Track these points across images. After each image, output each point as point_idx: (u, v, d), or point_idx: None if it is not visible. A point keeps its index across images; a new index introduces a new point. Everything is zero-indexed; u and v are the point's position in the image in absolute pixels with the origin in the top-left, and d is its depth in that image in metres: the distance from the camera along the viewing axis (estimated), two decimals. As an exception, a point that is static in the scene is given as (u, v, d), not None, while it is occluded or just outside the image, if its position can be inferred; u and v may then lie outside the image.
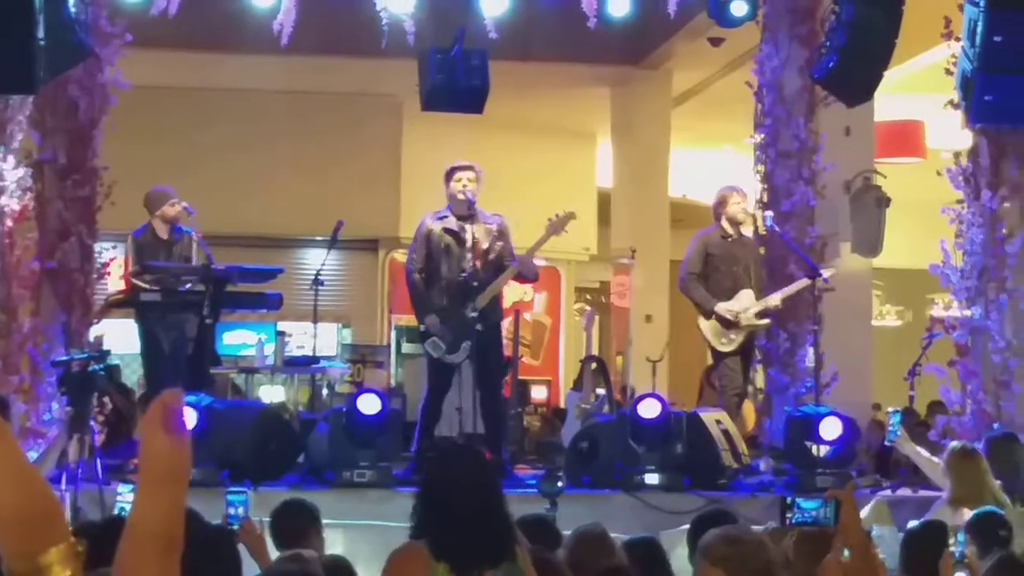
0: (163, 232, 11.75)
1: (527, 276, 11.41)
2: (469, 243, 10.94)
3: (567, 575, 5.60)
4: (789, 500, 4.86)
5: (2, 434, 0.88)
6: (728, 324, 11.84)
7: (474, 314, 10.82)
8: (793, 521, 4.88)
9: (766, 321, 12.06)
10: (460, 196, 10.90)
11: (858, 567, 4.81)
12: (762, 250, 12.51)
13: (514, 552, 5.31)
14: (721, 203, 12.11)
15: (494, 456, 10.93)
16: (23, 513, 0.91)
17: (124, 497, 6.68)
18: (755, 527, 6.70)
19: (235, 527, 6.36)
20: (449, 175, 11.04)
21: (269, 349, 13.11)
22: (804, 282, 11.83)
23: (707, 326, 11.97)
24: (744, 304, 11.88)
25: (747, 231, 12.36)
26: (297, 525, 6.80)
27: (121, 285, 12.07)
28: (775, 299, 11.92)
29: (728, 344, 11.91)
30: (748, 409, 13.14)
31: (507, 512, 5.43)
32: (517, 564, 5.29)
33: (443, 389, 11.07)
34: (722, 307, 11.82)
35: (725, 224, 12.07)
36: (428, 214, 11.20)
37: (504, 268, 11.03)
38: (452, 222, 10.96)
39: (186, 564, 5.16)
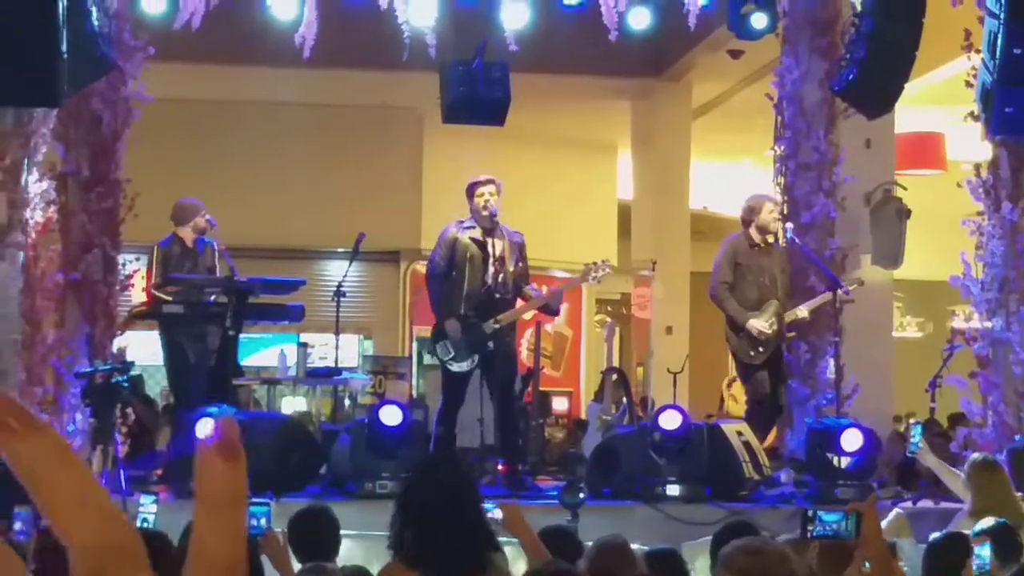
0: (189, 243, 11.82)
1: (552, 310, 11.53)
2: (493, 256, 10.99)
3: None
4: (810, 512, 4.85)
5: (74, 463, 0.90)
6: (756, 341, 11.80)
7: (496, 327, 10.87)
8: (814, 534, 4.88)
9: (791, 334, 12.06)
10: (484, 211, 10.96)
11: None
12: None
13: (489, 562, 5.31)
14: (754, 211, 12.03)
15: (510, 467, 10.96)
16: (99, 545, 0.93)
17: (147, 509, 6.69)
18: (777, 538, 6.73)
19: (257, 538, 6.39)
20: (471, 190, 11.10)
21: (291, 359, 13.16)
22: (829, 295, 11.80)
23: (736, 338, 11.95)
24: (769, 317, 11.85)
25: (772, 240, 12.32)
26: (315, 532, 6.83)
27: (144, 297, 12.10)
28: (803, 311, 11.89)
29: (756, 357, 11.90)
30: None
31: (482, 523, 5.44)
32: (494, 572, 5.30)
33: (457, 399, 11.11)
34: (753, 324, 11.76)
35: (753, 232, 12.01)
36: (453, 222, 11.25)
37: (520, 287, 11.11)
38: (478, 233, 11.02)
39: None
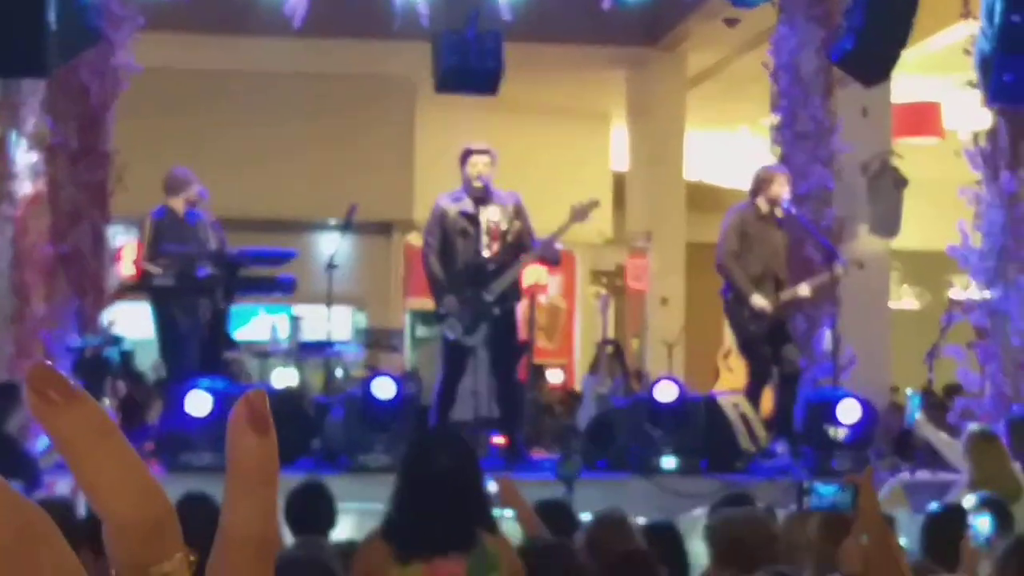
0: (180, 214, 11.71)
1: (549, 260, 11.38)
2: (485, 226, 10.87)
3: (581, 560, 5.53)
4: (806, 485, 4.80)
5: (114, 433, 0.83)
6: (756, 315, 11.57)
7: (491, 298, 10.78)
8: (811, 506, 4.83)
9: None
10: (476, 181, 10.82)
11: (876, 551, 4.76)
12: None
13: (477, 539, 5.21)
14: (766, 182, 11.60)
15: (510, 440, 10.89)
16: (139, 520, 0.86)
17: None
18: (778, 511, 6.67)
19: None
20: (464, 158, 10.95)
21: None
22: (829, 274, 11.59)
23: (738, 309, 11.71)
24: (769, 293, 11.62)
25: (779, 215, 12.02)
26: (312, 508, 6.76)
27: (134, 269, 12.01)
28: (804, 289, 11.61)
29: (757, 331, 11.70)
30: (742, 374, 13.08)
31: (476, 501, 5.34)
32: (488, 550, 5.21)
33: (458, 372, 11.00)
34: (756, 300, 11.49)
35: (761, 203, 11.59)
36: (442, 194, 11.12)
37: (523, 248, 10.95)
38: (468, 204, 10.85)
39: (203, 548, 5.12)
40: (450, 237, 10.87)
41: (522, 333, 13.00)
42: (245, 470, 0.92)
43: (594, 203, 11.17)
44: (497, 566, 5.20)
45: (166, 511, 0.88)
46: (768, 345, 11.64)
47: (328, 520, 6.87)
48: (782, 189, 11.63)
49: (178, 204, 11.66)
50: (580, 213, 11.08)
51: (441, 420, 10.88)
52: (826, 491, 4.79)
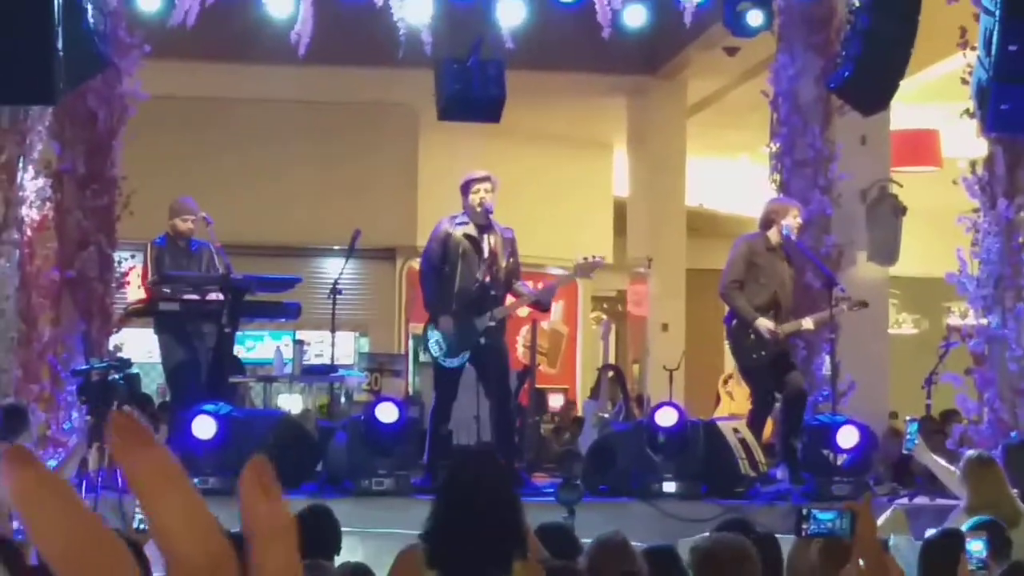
0: (181, 243, 11.81)
1: (544, 306, 11.51)
2: (486, 252, 10.95)
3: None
4: (805, 511, 4.85)
5: (182, 478, 0.91)
6: (761, 341, 11.54)
7: (492, 323, 10.86)
8: (809, 532, 4.89)
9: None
10: (478, 208, 10.90)
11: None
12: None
13: (510, 565, 5.30)
14: (779, 214, 11.61)
15: (507, 465, 10.94)
16: (202, 561, 0.94)
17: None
18: (778, 536, 6.74)
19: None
20: (466, 187, 11.02)
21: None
22: (832, 309, 11.55)
23: (742, 336, 11.66)
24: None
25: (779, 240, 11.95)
26: (317, 532, 6.83)
27: (140, 294, 12.10)
28: (808, 323, 11.60)
29: (759, 359, 11.64)
30: (744, 399, 13.13)
31: (513, 524, 5.41)
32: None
33: (450, 395, 11.05)
34: (762, 323, 11.44)
35: (773, 234, 11.57)
36: (445, 217, 11.19)
37: (511, 283, 11.07)
38: (471, 229, 10.94)
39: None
40: (451, 260, 10.94)
41: (524, 358, 13.09)
42: (263, 532, 0.99)
43: (599, 262, 11.26)
44: None
45: (226, 552, 0.97)
46: (771, 373, 11.67)
47: (334, 545, 6.94)
48: (795, 221, 11.62)
49: (179, 228, 11.74)
50: (584, 269, 11.21)
51: (435, 443, 10.92)
52: (824, 517, 4.83)
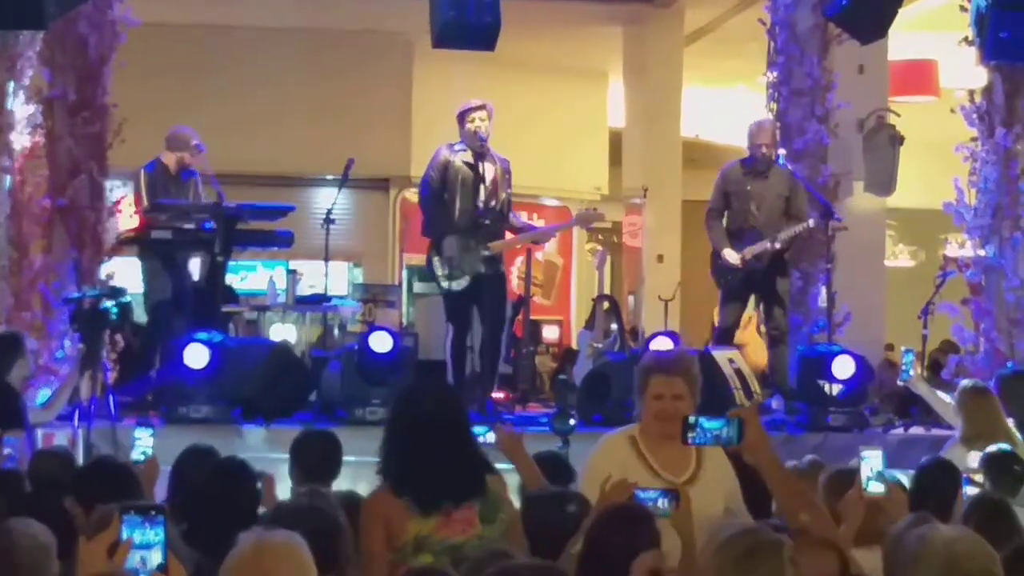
0: (172, 170, 11.72)
1: (540, 243, 11.56)
2: (484, 180, 10.97)
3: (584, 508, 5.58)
4: (692, 420, 4.80)
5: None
6: (726, 269, 11.68)
7: (486, 253, 10.86)
8: (695, 441, 4.85)
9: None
10: (474, 137, 10.92)
11: (774, 479, 4.80)
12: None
13: (485, 486, 5.30)
14: (754, 135, 11.80)
15: (484, 395, 10.94)
16: None
17: (144, 441, 6.60)
18: (789, 463, 6.69)
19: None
20: (462, 116, 11.06)
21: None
22: (803, 225, 11.60)
23: (714, 264, 11.85)
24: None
25: (769, 163, 11.83)
26: (320, 455, 6.83)
27: (132, 223, 12.01)
28: (769, 244, 11.54)
29: (726, 286, 11.83)
30: (760, 347, 13.13)
31: (475, 448, 5.43)
32: (489, 498, 5.29)
33: (465, 325, 11.09)
34: (725, 253, 11.65)
35: (753, 157, 11.74)
36: (443, 145, 11.20)
37: (505, 214, 11.10)
38: (469, 156, 11.00)
39: (206, 494, 5.15)
40: (450, 186, 10.98)
41: (519, 289, 13.06)
42: None
43: (599, 215, 11.35)
44: (501, 506, 5.29)
45: None
46: (743, 296, 11.83)
47: (334, 469, 6.94)
48: (761, 143, 11.67)
49: (171, 160, 11.69)
50: (584, 220, 11.27)
51: (457, 376, 10.95)
52: (710, 425, 4.79)
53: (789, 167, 12.00)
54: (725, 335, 11.83)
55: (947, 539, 3.97)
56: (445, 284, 11.00)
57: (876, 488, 5.18)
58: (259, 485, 6.04)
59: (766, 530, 4.15)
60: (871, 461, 5.24)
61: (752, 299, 12.25)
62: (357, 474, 8.82)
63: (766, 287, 11.78)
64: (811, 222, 11.51)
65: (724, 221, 11.83)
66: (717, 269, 11.83)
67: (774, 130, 11.97)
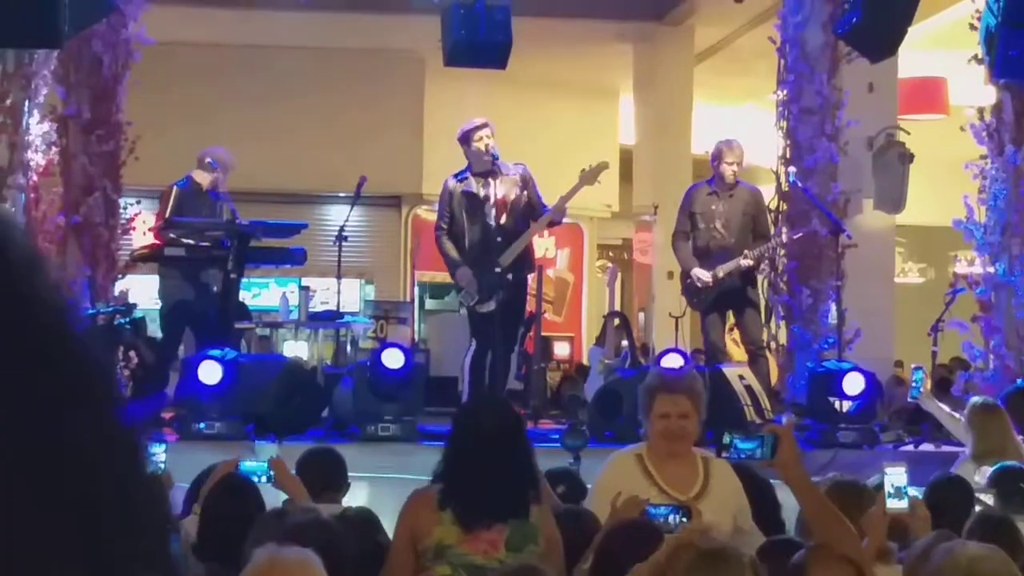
0: (203, 191, 11.73)
1: (556, 221, 11.49)
2: (492, 199, 10.97)
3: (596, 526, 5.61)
4: (727, 440, 4.86)
5: None
6: (696, 289, 11.74)
7: (498, 269, 10.87)
8: (730, 458, 4.94)
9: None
10: (485, 155, 10.91)
11: (806, 499, 4.82)
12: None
13: (527, 510, 5.31)
14: (719, 155, 11.93)
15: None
16: None
17: (157, 456, 6.65)
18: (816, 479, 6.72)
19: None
20: (466, 137, 11.03)
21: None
22: (772, 243, 11.69)
23: (685, 282, 11.90)
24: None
25: (735, 183, 11.78)
26: (325, 472, 6.84)
27: (146, 240, 12.07)
28: (743, 261, 11.57)
29: (697, 305, 11.88)
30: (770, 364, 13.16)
31: (528, 469, 5.43)
32: (529, 521, 5.29)
33: (487, 342, 11.08)
34: (694, 272, 11.66)
35: (720, 176, 11.81)
36: (450, 175, 11.22)
37: (534, 217, 11.08)
38: (471, 183, 10.99)
39: (213, 509, 5.17)
40: (458, 216, 10.98)
41: (531, 306, 13.09)
42: None
43: (603, 165, 11.29)
44: (536, 537, 5.27)
45: None
46: (718, 316, 11.86)
47: (338, 485, 6.95)
48: (732, 161, 11.75)
49: (204, 180, 11.68)
50: (589, 176, 11.20)
51: (475, 390, 10.96)
52: (745, 446, 4.84)
53: (754, 186, 12.02)
54: (714, 350, 11.85)
55: (972, 556, 3.97)
56: (480, 309, 10.98)
57: (897, 504, 5.19)
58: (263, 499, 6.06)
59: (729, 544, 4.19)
60: (893, 477, 5.25)
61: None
62: (370, 490, 8.89)
63: (738, 303, 11.77)
64: (778, 239, 11.59)
65: (690, 242, 11.82)
66: (688, 289, 11.86)
67: (742, 150, 11.98)
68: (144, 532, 0.95)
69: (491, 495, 5.25)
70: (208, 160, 11.68)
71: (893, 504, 5.19)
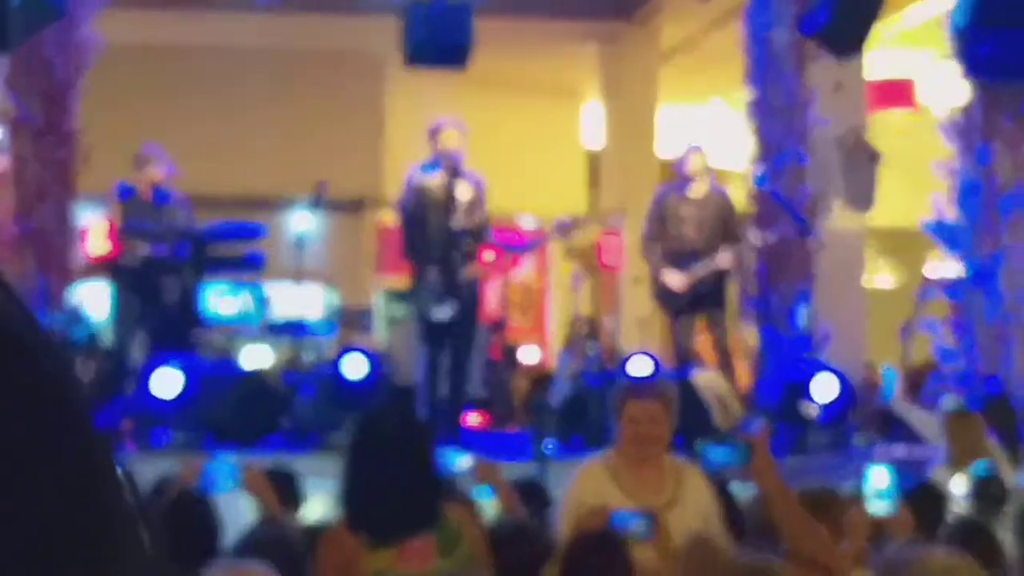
0: (146, 195, 11.51)
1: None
2: (457, 200, 10.83)
3: (552, 538, 5.46)
4: (698, 447, 4.85)
5: None
6: (668, 294, 11.64)
7: (465, 277, 10.75)
8: (703, 465, 4.94)
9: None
10: (447, 156, 10.79)
11: (778, 504, 4.73)
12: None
13: (439, 516, 5.12)
14: (683, 161, 11.96)
15: (450, 417, 10.82)
16: None
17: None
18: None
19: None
20: (434, 133, 10.93)
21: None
22: (741, 245, 11.64)
23: (657, 286, 11.87)
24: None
25: (704, 187, 11.84)
26: (278, 492, 6.65)
27: (100, 248, 11.84)
28: (718, 261, 11.51)
29: (669, 310, 11.85)
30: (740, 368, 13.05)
31: (431, 475, 5.23)
32: (446, 529, 5.11)
33: (438, 349, 10.94)
34: (666, 277, 11.66)
35: (689, 182, 11.82)
36: (416, 166, 11.07)
37: (483, 232, 10.99)
38: (440, 179, 10.84)
39: (166, 526, 4.98)
40: (422, 209, 10.83)
41: (496, 312, 12.94)
42: None
43: (575, 224, 11.30)
44: (462, 536, 5.11)
45: None
46: (690, 320, 11.79)
47: (293, 502, 6.81)
48: (695, 166, 11.75)
49: (142, 182, 11.47)
50: (561, 230, 11.23)
51: (430, 400, 10.81)
52: (716, 454, 4.85)
53: (723, 188, 11.99)
54: (683, 353, 11.76)
55: (944, 566, 3.86)
56: (431, 313, 10.83)
57: (880, 507, 5.09)
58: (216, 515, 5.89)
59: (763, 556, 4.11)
60: (876, 479, 5.15)
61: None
62: (329, 500, 8.69)
63: (710, 307, 11.71)
64: (752, 239, 11.55)
65: (661, 245, 11.76)
66: (661, 294, 11.85)
67: (705, 155, 11.95)
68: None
69: (405, 506, 5.05)
70: (139, 160, 11.47)
71: (876, 507, 5.10)
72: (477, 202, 10.96)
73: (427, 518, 5.06)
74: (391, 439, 5.14)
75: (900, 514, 5.31)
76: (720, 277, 11.69)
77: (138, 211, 11.40)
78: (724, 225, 11.66)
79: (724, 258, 11.49)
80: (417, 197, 10.88)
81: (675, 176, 11.96)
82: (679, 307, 11.69)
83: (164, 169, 11.51)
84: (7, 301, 0.84)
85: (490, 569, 5.14)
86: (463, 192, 10.89)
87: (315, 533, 5.87)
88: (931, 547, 4.17)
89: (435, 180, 10.86)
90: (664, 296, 11.75)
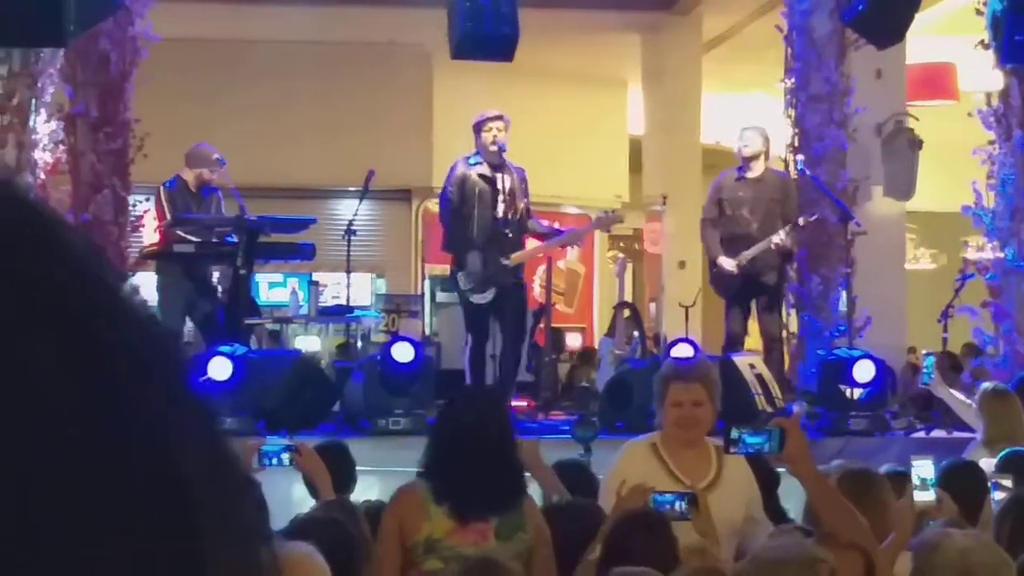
0: (193, 186, 11.73)
1: (565, 246, 11.63)
2: (502, 192, 10.98)
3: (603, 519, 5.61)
4: (735, 434, 4.88)
5: None
6: (723, 278, 11.75)
7: (506, 262, 10.88)
8: (737, 452, 4.96)
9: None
10: (492, 147, 10.93)
11: (815, 489, 4.82)
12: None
13: (521, 501, 5.31)
14: (740, 144, 11.91)
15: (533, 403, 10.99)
16: None
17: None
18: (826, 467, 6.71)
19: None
20: (479, 126, 11.07)
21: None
22: (794, 223, 11.64)
23: (712, 269, 11.93)
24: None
25: (760, 169, 11.81)
26: (332, 468, 6.82)
27: (155, 237, 12.06)
28: (774, 239, 11.56)
29: (724, 295, 11.90)
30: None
31: (516, 462, 5.44)
32: (514, 515, 5.29)
33: (483, 335, 11.09)
34: (720, 261, 11.71)
35: (749, 165, 11.79)
36: (459, 158, 11.23)
37: (524, 224, 11.13)
38: (486, 169, 10.99)
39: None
40: (468, 200, 10.98)
41: (540, 298, 13.09)
42: None
43: (619, 217, 11.36)
44: (525, 526, 5.28)
45: None
46: (744, 305, 11.87)
47: (345, 480, 6.93)
48: (751, 148, 11.72)
49: (191, 177, 11.67)
50: (603, 222, 11.28)
51: (460, 388, 10.95)
52: (753, 440, 4.86)
53: (783, 172, 12.02)
54: (732, 342, 11.85)
55: (961, 548, 3.98)
56: (470, 298, 11.01)
57: (924, 497, 5.18)
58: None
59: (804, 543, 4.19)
60: (920, 469, 5.25)
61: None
62: (381, 484, 8.88)
63: (764, 295, 11.77)
64: (803, 219, 11.54)
65: (719, 230, 11.82)
66: (715, 278, 11.91)
67: (767, 136, 11.92)
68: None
69: (489, 488, 5.25)
70: (192, 158, 11.68)
71: (920, 496, 5.18)
72: (520, 192, 11.12)
73: (506, 503, 5.25)
74: (474, 423, 5.33)
75: (944, 503, 5.38)
76: (780, 263, 11.79)
77: (186, 204, 11.61)
78: (781, 206, 11.70)
79: (778, 238, 11.50)
80: (460, 188, 11.04)
81: (737, 161, 11.92)
82: (733, 292, 11.79)
83: (215, 167, 11.66)
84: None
85: (551, 560, 5.29)
86: (506, 182, 11.04)
87: (370, 513, 6.06)
88: (951, 532, 4.28)
89: (479, 171, 11.02)
90: (719, 280, 11.83)
